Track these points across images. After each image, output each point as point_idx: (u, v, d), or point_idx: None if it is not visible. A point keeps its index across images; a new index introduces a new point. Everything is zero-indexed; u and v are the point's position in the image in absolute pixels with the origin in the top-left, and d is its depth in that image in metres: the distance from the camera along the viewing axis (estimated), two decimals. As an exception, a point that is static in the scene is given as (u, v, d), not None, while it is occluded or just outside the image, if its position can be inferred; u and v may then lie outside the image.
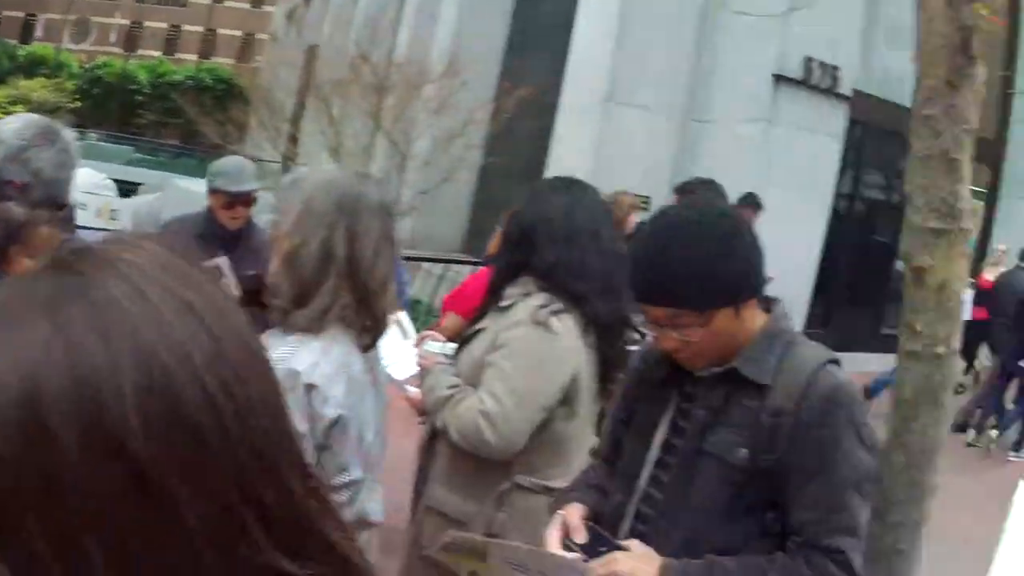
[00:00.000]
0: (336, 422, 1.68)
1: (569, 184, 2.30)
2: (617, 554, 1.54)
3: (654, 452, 1.64)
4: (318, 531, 0.55)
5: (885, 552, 2.21)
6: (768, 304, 1.67)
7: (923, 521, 2.19)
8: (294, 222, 1.72)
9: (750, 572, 1.52)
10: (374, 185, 1.84)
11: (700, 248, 1.52)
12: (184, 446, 0.48)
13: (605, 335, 2.17)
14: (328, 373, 1.67)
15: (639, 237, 1.63)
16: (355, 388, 1.72)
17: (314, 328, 1.69)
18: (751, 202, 7.27)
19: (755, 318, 1.61)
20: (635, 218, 5.95)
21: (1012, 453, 7.85)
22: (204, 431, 0.49)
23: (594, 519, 1.67)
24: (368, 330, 1.78)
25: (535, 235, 2.17)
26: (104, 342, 0.48)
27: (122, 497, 0.47)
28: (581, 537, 1.61)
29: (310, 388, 1.65)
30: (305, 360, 1.65)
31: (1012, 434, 7.91)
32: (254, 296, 1.86)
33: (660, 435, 1.64)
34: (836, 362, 1.60)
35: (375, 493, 1.87)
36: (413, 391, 2.40)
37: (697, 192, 3.78)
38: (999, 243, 10.22)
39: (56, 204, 2.26)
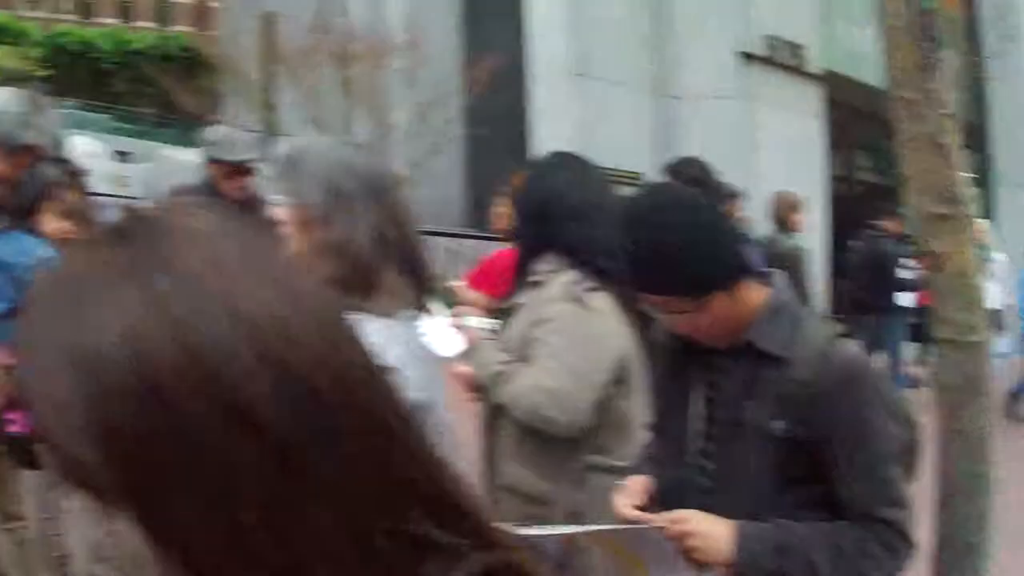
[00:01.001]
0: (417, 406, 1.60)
1: (569, 159, 2.32)
2: (687, 513, 1.55)
3: (695, 425, 1.65)
4: (455, 498, 0.54)
5: (954, 546, 2.16)
6: (767, 279, 1.68)
7: (988, 513, 2.14)
8: (326, 210, 1.63)
9: (818, 536, 1.54)
10: (372, 157, 1.84)
11: (675, 238, 1.53)
12: (310, 415, 0.47)
13: (642, 314, 2.05)
14: (401, 355, 1.53)
15: (622, 225, 1.65)
16: (425, 367, 1.69)
17: (387, 313, 1.63)
18: (730, 192, 7.50)
19: (755, 296, 1.62)
20: (799, 216, 5.75)
21: None
22: (323, 396, 0.48)
23: (656, 491, 1.71)
24: (419, 306, 1.76)
25: (549, 211, 2.16)
26: (208, 314, 0.47)
27: (261, 467, 0.46)
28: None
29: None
30: (371, 342, 1.59)
31: None
32: None
33: (697, 408, 1.65)
34: (846, 335, 1.63)
35: None
36: (461, 367, 2.34)
37: (686, 172, 3.77)
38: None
39: (70, 167, 2.39)
